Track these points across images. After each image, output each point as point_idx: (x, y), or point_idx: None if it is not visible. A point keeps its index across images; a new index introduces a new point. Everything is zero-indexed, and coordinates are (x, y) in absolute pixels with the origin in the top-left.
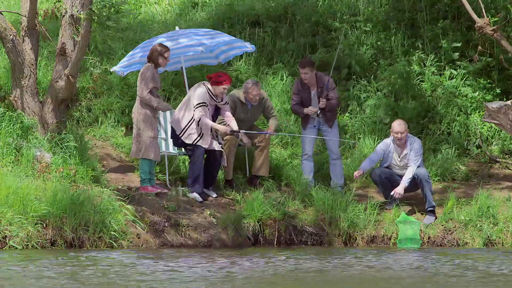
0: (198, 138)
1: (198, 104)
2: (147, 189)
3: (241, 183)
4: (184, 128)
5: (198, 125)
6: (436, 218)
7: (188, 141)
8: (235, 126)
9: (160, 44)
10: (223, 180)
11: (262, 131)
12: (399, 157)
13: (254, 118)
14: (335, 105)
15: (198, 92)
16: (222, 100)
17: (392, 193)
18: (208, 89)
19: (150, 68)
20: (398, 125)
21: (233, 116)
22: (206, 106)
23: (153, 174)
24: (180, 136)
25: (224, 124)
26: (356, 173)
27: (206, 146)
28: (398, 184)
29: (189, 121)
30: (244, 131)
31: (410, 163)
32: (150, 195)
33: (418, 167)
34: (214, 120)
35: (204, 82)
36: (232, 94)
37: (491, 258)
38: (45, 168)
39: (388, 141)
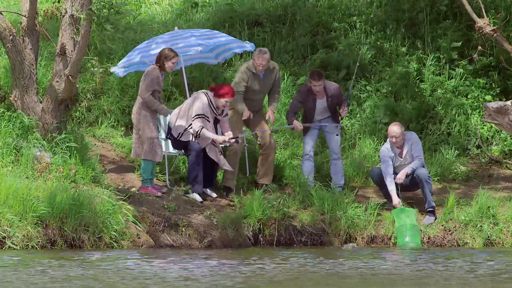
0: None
1: (196, 115)
2: (147, 190)
3: (242, 184)
4: (181, 133)
5: (197, 136)
6: (436, 218)
7: (185, 139)
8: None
9: (169, 49)
10: (222, 187)
11: (263, 129)
12: (402, 157)
13: (267, 89)
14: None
15: (198, 103)
16: (222, 113)
17: (395, 180)
18: (210, 101)
19: (156, 70)
20: (394, 129)
21: (246, 87)
22: (205, 118)
23: (153, 174)
24: (178, 138)
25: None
26: (397, 205)
27: (203, 146)
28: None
29: (187, 127)
30: (242, 135)
31: (415, 154)
32: (150, 195)
33: (422, 167)
34: (216, 131)
35: (207, 92)
36: (243, 67)
37: (490, 258)
38: (45, 168)
39: (387, 146)
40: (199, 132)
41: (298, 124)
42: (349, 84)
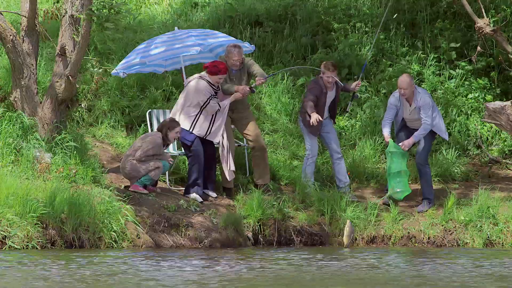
0: (208, 131)
1: (207, 99)
2: (136, 188)
3: (242, 183)
4: (192, 123)
5: (208, 114)
6: (427, 208)
7: (196, 132)
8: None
9: (172, 119)
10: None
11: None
12: (409, 111)
13: (243, 80)
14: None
15: (201, 90)
16: (218, 88)
17: (400, 144)
18: (208, 82)
19: (159, 139)
20: (402, 80)
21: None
22: (214, 97)
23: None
24: (191, 131)
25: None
26: (386, 140)
27: (215, 140)
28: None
29: (196, 115)
30: (254, 84)
31: (422, 121)
32: (150, 195)
33: (434, 126)
34: (213, 118)
35: (201, 75)
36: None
37: (491, 259)
38: (45, 168)
39: (396, 95)
40: (219, 106)
41: (316, 117)
42: (350, 83)
